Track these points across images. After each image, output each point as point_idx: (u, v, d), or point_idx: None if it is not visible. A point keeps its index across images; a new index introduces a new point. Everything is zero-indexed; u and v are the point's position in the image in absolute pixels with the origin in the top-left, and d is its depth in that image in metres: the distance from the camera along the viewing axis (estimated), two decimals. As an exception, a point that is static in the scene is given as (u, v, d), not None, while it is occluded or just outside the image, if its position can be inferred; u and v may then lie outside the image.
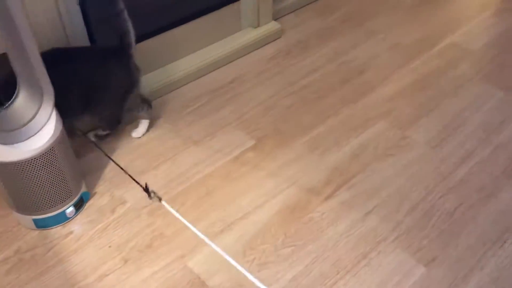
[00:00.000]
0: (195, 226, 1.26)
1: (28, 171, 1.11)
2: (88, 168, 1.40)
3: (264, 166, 1.42)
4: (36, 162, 1.11)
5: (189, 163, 1.43)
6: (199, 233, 1.24)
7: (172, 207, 1.30)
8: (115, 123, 1.46)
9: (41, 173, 1.14)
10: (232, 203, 1.32)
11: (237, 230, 1.25)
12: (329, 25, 1.99)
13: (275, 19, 1.93)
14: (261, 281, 1.14)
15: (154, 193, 1.32)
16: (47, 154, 1.12)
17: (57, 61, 1.23)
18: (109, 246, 1.22)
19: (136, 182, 1.35)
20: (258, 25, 1.87)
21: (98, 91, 1.34)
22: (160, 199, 1.31)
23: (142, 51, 1.61)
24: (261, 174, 1.40)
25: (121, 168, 1.39)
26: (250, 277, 1.14)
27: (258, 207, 1.31)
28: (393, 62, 1.79)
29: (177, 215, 1.28)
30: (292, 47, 1.88)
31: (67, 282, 1.14)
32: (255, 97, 1.66)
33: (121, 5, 1.26)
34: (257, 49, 1.86)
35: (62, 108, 1.17)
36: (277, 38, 1.91)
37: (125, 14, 1.28)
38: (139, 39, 1.58)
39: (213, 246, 1.21)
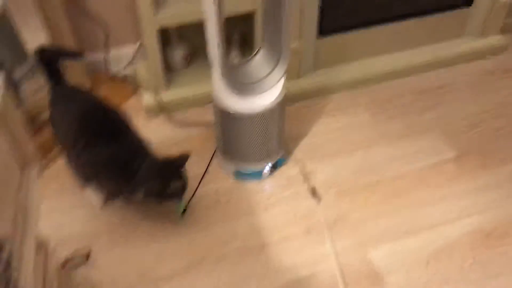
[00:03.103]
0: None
1: (248, 124, 1.20)
2: (287, 136, 1.46)
3: (462, 182, 1.34)
4: (257, 118, 1.19)
5: (381, 158, 1.41)
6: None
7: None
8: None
9: (257, 129, 1.22)
10: (422, 209, 1.27)
11: (423, 238, 1.20)
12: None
13: (503, 33, 1.78)
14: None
15: (316, 193, 1.30)
16: (267, 113, 1.20)
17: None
18: (295, 215, 1.26)
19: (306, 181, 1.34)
20: (482, 36, 1.74)
21: None
22: (319, 200, 1.28)
23: (356, 39, 1.62)
24: (458, 189, 1.32)
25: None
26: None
27: (450, 221, 1.24)
28: None
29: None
30: (514, 66, 1.73)
31: (252, 234, 1.22)
32: (463, 109, 1.56)
33: None
34: (474, 60, 1.74)
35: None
36: (500, 53, 1.76)
37: None
38: (358, 26, 1.60)
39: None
